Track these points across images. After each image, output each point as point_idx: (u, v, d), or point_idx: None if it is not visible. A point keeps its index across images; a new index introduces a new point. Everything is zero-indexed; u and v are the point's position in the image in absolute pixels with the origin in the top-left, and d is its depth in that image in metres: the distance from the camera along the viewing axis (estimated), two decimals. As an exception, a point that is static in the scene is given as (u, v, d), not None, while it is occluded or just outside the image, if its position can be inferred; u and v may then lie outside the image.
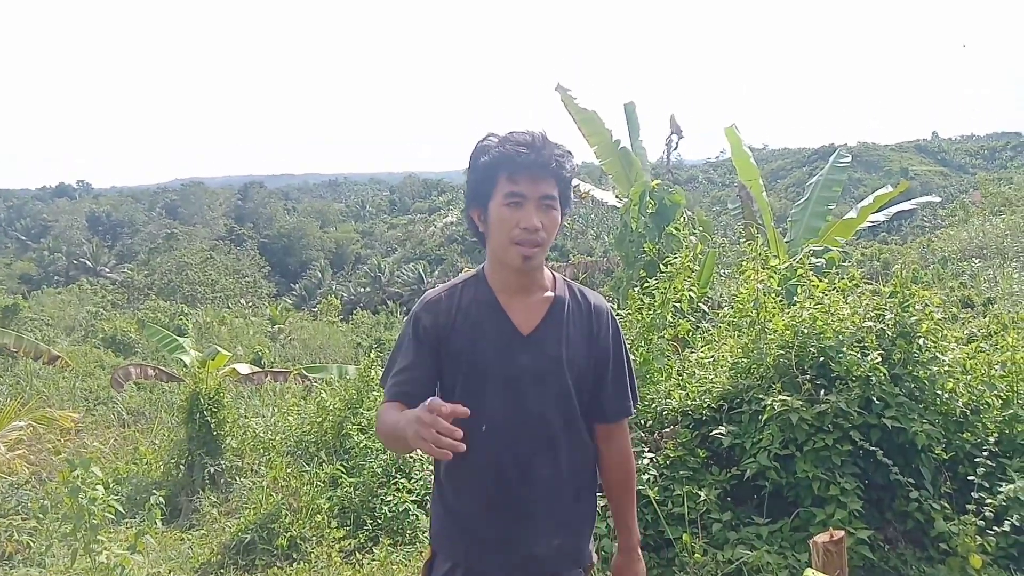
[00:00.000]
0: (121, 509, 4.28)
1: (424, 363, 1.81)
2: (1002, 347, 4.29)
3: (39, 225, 71.87)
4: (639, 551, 1.98)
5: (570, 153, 1.79)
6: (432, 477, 1.95)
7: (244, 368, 11.14)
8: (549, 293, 1.85)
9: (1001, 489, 3.48)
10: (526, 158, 1.71)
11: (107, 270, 54.34)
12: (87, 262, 55.87)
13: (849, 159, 9.91)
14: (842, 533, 1.82)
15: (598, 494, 1.95)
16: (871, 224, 9.47)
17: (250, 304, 34.98)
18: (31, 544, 4.57)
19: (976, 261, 22.23)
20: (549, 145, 1.75)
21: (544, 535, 1.80)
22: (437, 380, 1.82)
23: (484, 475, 1.78)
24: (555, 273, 1.90)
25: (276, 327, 28.34)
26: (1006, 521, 3.38)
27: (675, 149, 11.37)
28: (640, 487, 3.75)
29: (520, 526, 1.79)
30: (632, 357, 2.03)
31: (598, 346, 1.85)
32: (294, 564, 4.46)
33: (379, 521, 4.87)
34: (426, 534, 4.68)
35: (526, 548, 1.79)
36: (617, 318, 1.96)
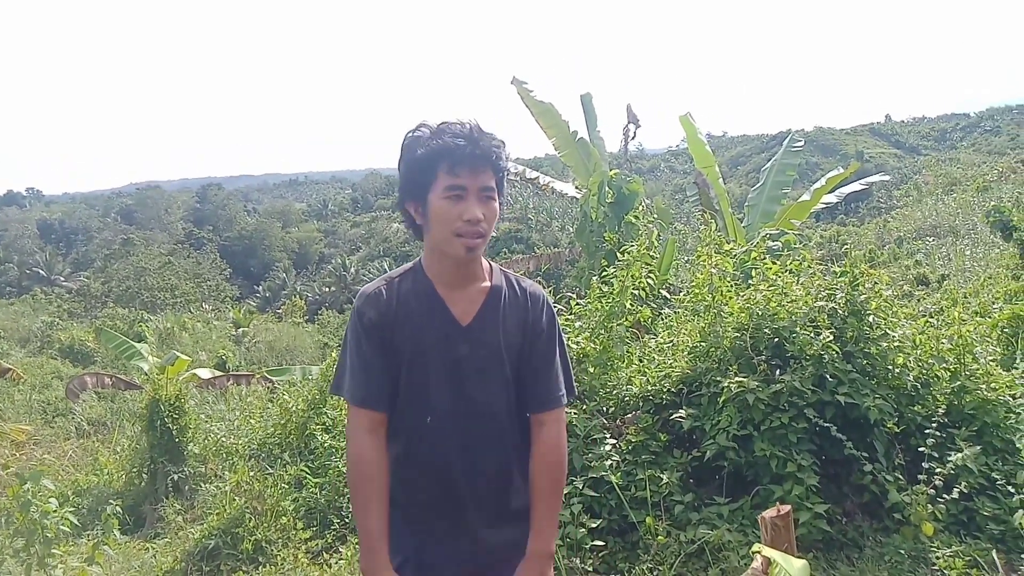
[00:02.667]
0: (76, 522, 4.18)
1: (377, 359, 1.78)
2: (951, 322, 4.42)
3: (-12, 235, 69.60)
4: (551, 565, 1.82)
5: (504, 143, 1.79)
6: None
7: (205, 373, 10.96)
8: (486, 283, 1.84)
9: (950, 458, 3.59)
10: (465, 150, 1.71)
11: (62, 279, 52.90)
12: (40, 271, 54.31)
13: (802, 143, 10.11)
14: (788, 508, 1.86)
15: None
16: (825, 205, 9.68)
17: (213, 308, 34.38)
18: (-16, 561, 4.44)
19: (930, 240, 22.83)
20: (486, 136, 1.75)
21: (494, 525, 1.80)
22: (388, 373, 1.79)
23: (431, 467, 1.78)
24: (492, 263, 1.90)
25: (240, 330, 27.88)
26: (955, 489, 3.50)
27: (633, 138, 11.46)
28: (603, 472, 3.79)
29: (469, 517, 1.78)
30: (568, 347, 2.00)
31: (533, 333, 1.85)
32: (260, 568, 4.40)
33: (346, 520, 4.83)
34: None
35: (476, 539, 1.79)
36: (557, 306, 1.95)
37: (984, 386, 4.03)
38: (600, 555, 3.63)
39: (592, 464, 3.85)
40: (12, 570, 4.30)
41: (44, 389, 15.13)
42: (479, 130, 1.75)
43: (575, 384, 2.00)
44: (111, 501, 4.46)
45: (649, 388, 4.35)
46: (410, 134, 1.79)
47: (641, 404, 4.32)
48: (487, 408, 1.79)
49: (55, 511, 3.73)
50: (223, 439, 6.67)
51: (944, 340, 4.26)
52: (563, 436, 1.87)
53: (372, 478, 1.76)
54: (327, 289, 46.87)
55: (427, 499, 1.79)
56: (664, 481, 3.80)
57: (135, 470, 6.79)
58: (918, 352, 4.25)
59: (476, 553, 1.79)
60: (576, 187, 10.75)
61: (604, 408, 4.36)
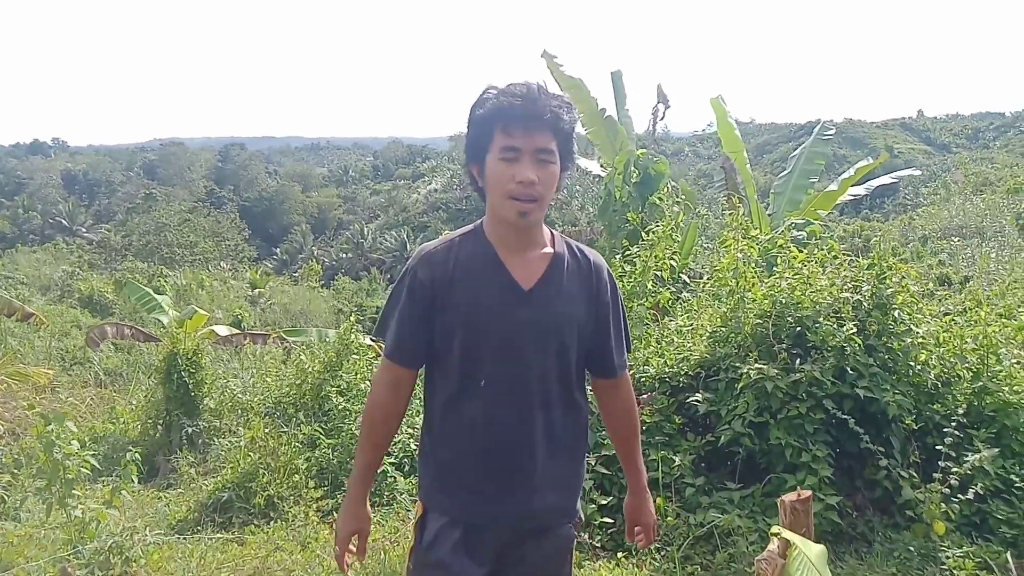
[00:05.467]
0: (97, 465, 4.26)
1: (420, 319, 1.79)
2: (975, 322, 4.36)
3: (12, 182, 70.24)
4: (648, 491, 2.03)
5: (569, 104, 1.75)
6: (420, 433, 1.93)
7: (223, 330, 11.05)
8: (548, 249, 1.83)
9: (967, 459, 3.57)
10: (519, 110, 1.68)
11: (84, 230, 53.43)
12: (63, 221, 54.90)
13: (833, 132, 9.94)
14: (809, 493, 1.86)
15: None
16: (852, 198, 9.54)
17: (230, 267, 34.64)
18: (5, 498, 4.54)
19: (955, 240, 22.46)
20: (545, 96, 1.71)
21: (540, 490, 1.80)
22: (431, 336, 1.80)
23: (482, 430, 1.78)
24: (553, 231, 1.88)
25: (256, 291, 28.10)
26: (970, 489, 3.47)
27: (662, 119, 11.34)
28: (615, 451, 3.80)
29: (516, 481, 1.79)
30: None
31: (599, 303, 1.85)
32: (271, 523, 4.47)
33: (357, 482, 4.90)
34: (403, 495, 4.71)
35: (522, 503, 1.79)
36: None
37: (1007, 389, 3.99)
38: (609, 532, 3.66)
39: (605, 442, 3.86)
40: (32, 508, 4.40)
41: (63, 337, 15.36)
42: (539, 90, 1.71)
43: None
44: (129, 448, 4.53)
45: (666, 370, 4.35)
46: (478, 97, 1.77)
47: (657, 386, 4.33)
48: (541, 374, 1.79)
49: (77, 453, 3.81)
50: (239, 396, 6.75)
51: (968, 340, 4.21)
52: (633, 392, 2.02)
53: (380, 427, 1.88)
54: (344, 255, 47.00)
55: (477, 462, 1.80)
56: (676, 463, 3.81)
57: (150, 421, 6.89)
58: (941, 350, 4.21)
59: (522, 516, 1.80)
60: (601, 165, 10.66)
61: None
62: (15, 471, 4.64)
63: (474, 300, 1.76)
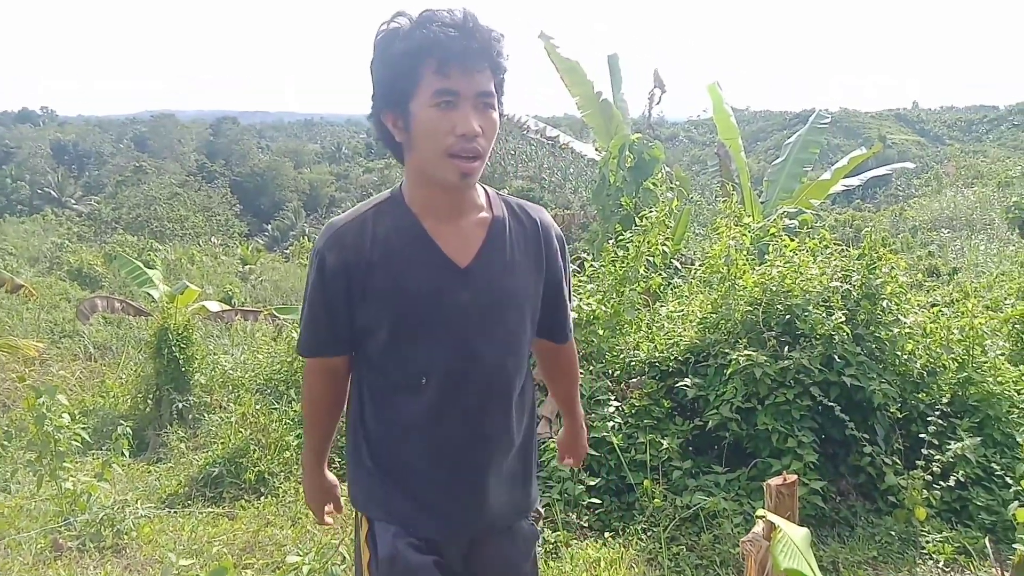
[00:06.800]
0: (88, 439, 4.28)
1: (337, 313, 1.50)
2: (962, 313, 4.43)
3: (1, 151, 69.46)
4: (584, 427, 1.94)
5: (503, 35, 1.43)
6: (347, 433, 1.64)
7: (214, 305, 11.04)
8: (485, 214, 1.52)
9: (950, 447, 3.64)
10: (459, 44, 1.35)
11: (73, 201, 52.96)
12: (52, 192, 54.37)
13: (828, 120, 9.96)
14: (794, 477, 1.89)
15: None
16: (845, 188, 9.59)
17: (221, 243, 34.46)
18: (-5, 470, 4.56)
19: (945, 231, 22.63)
20: (482, 26, 1.38)
21: (495, 492, 1.58)
22: (352, 328, 1.52)
23: (427, 433, 1.52)
24: (487, 188, 1.57)
25: (247, 267, 28.00)
26: (952, 477, 3.55)
27: (657, 103, 11.32)
28: (605, 433, 3.85)
29: (469, 486, 1.56)
30: (579, 307, 2.04)
31: (550, 270, 1.59)
32: (262, 498, 4.51)
33: (346, 460, 4.93)
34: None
35: (476, 508, 1.57)
36: (572, 266, 1.81)
37: (991, 379, 4.06)
38: (596, 512, 3.71)
39: (595, 424, 3.90)
40: (22, 480, 4.42)
41: (52, 310, 15.28)
42: (475, 19, 1.38)
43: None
44: (120, 422, 4.55)
45: (656, 355, 4.39)
46: (386, 26, 1.41)
47: (647, 370, 4.36)
48: (494, 364, 1.52)
49: (67, 426, 3.82)
50: (229, 372, 6.76)
51: (955, 331, 4.27)
52: (575, 348, 1.87)
53: (324, 418, 1.69)
54: (336, 233, 46.84)
55: (420, 468, 1.54)
56: (664, 447, 3.85)
57: (140, 395, 6.90)
58: (928, 340, 4.27)
59: (477, 520, 1.59)
60: (596, 149, 10.66)
61: (610, 371, 4.40)
62: (5, 443, 4.65)
63: (399, 286, 1.46)
